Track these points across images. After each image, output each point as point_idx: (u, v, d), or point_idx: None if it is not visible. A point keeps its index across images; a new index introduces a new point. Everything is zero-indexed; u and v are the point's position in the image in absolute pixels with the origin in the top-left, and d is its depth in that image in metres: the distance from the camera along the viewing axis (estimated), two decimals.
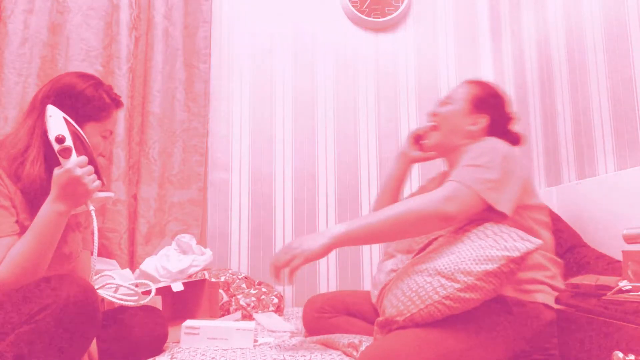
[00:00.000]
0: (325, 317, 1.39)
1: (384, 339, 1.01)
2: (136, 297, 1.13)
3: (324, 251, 1.06)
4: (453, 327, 1.02)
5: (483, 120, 1.29)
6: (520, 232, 1.04)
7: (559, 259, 1.19)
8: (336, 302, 1.41)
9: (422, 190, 1.47)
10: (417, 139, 1.44)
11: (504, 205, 1.07)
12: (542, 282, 1.12)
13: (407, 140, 1.47)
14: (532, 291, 1.10)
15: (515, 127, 1.36)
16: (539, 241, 1.01)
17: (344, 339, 1.20)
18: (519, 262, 0.99)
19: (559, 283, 1.14)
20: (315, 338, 1.29)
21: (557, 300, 1.02)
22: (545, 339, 1.08)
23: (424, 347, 0.99)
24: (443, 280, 1.01)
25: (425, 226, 1.07)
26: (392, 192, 1.48)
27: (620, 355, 0.69)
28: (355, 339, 1.19)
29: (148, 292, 1.17)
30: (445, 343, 1.00)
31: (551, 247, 1.19)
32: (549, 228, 1.19)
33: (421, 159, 1.44)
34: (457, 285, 0.99)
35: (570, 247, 1.41)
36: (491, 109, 1.31)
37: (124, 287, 1.13)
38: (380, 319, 1.09)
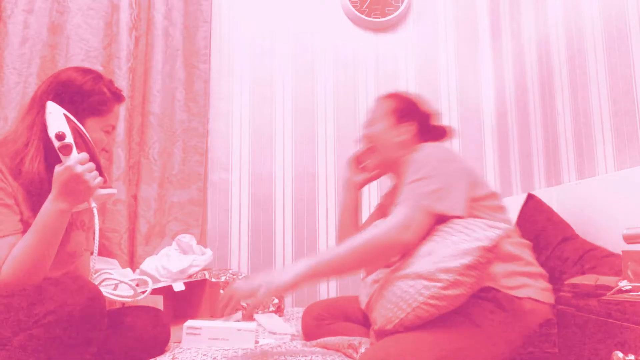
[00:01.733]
0: (324, 324, 1.39)
1: (380, 344, 1.02)
2: (132, 292, 1.12)
3: (288, 287, 1.04)
4: (449, 328, 1.03)
5: (410, 128, 1.34)
6: (486, 221, 1.06)
7: (526, 241, 1.21)
8: (334, 309, 1.42)
9: (380, 208, 1.50)
10: (358, 163, 1.48)
11: (456, 208, 1.10)
12: (521, 274, 1.13)
13: (349, 167, 1.49)
14: (516, 287, 1.10)
15: (439, 122, 1.42)
16: (505, 225, 1.04)
17: (344, 340, 1.20)
18: (493, 250, 1.01)
19: (535, 268, 1.16)
20: (315, 342, 1.29)
21: (557, 300, 1.02)
22: (540, 334, 1.08)
23: (421, 349, 0.99)
24: (425, 282, 1.02)
25: (387, 256, 1.11)
26: (351, 220, 1.49)
27: (620, 355, 0.69)
28: (355, 340, 1.19)
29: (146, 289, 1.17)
30: (442, 344, 1.01)
31: (514, 230, 1.21)
32: (506, 211, 1.21)
33: (367, 181, 1.48)
34: (440, 285, 1.00)
35: (562, 240, 1.40)
36: (413, 115, 1.36)
37: (124, 283, 1.13)
38: (375, 327, 1.09)
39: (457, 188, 1.12)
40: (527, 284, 1.12)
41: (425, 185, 1.11)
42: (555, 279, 1.30)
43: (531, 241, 1.46)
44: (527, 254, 1.18)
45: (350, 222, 1.49)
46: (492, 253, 1.01)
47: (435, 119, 1.41)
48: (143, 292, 1.16)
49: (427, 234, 1.10)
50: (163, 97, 2.11)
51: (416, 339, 1.01)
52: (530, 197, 1.61)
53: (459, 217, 1.09)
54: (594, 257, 1.27)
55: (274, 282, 1.03)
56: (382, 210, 1.47)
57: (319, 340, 1.27)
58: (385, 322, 1.06)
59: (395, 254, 1.10)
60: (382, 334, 1.07)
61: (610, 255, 1.25)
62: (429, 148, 1.19)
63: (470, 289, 1.02)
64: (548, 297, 1.14)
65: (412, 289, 1.02)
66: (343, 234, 1.48)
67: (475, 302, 1.06)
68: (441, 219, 1.10)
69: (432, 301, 1.00)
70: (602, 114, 1.55)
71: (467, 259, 1.00)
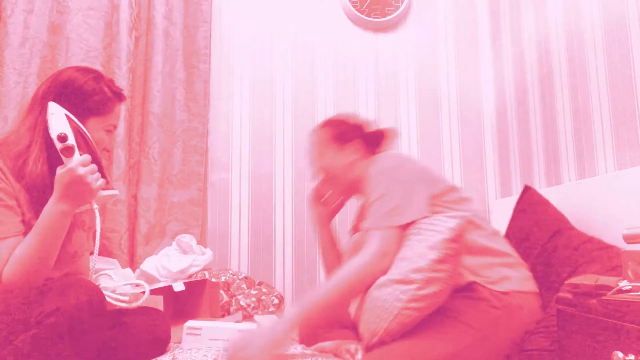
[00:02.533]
0: (320, 332, 1.40)
1: (372, 356, 1.02)
2: (127, 298, 1.11)
3: (286, 337, 1.05)
4: (441, 332, 1.04)
5: (355, 146, 1.37)
6: (446, 213, 1.09)
7: (494, 229, 1.24)
8: (330, 316, 1.42)
9: (355, 230, 1.50)
10: (319, 198, 1.49)
11: (420, 212, 1.13)
12: (501, 265, 1.15)
13: (312, 205, 1.51)
14: (498, 280, 1.12)
15: (378, 128, 1.44)
16: (464, 213, 1.07)
17: (342, 345, 1.20)
18: (457, 239, 1.04)
19: (514, 258, 1.18)
20: (312, 347, 1.29)
21: (557, 301, 1.02)
22: (537, 331, 1.08)
23: (416, 356, 0.99)
24: (401, 287, 1.03)
25: (370, 281, 1.11)
26: (332, 254, 1.50)
27: (620, 355, 0.69)
28: (351, 346, 1.19)
29: (144, 292, 1.17)
30: (436, 350, 1.01)
31: (486, 222, 1.23)
32: (468, 202, 1.24)
33: (334, 212, 1.50)
34: (414, 286, 1.02)
35: (556, 231, 1.39)
36: (352, 133, 1.38)
37: (120, 286, 1.12)
38: (363, 344, 1.10)
39: (416, 193, 1.15)
40: (509, 275, 1.13)
41: (386, 203, 1.14)
42: (549, 271, 1.29)
43: (526, 232, 1.46)
44: (503, 244, 1.20)
45: (331, 256, 1.50)
46: (457, 243, 1.04)
47: (374, 127, 1.43)
48: (142, 293, 1.16)
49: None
50: (163, 97, 2.11)
51: (410, 349, 1.02)
52: (527, 189, 1.61)
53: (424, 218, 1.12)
54: (588, 250, 1.25)
55: (273, 339, 1.03)
56: (357, 231, 1.49)
57: (316, 345, 1.27)
58: (370, 336, 1.07)
59: (379, 277, 1.11)
60: (372, 348, 1.07)
61: (607, 247, 1.24)
62: (381, 160, 1.21)
63: (447, 284, 1.04)
64: (532, 286, 1.16)
65: (389, 297, 1.04)
66: (329, 268, 1.50)
67: (464, 302, 1.08)
68: (410, 223, 1.13)
69: (412, 304, 1.02)
70: (602, 114, 1.55)
71: (435, 253, 1.02)
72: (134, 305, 1.09)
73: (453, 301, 1.09)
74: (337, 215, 1.54)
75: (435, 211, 1.15)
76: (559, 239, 1.36)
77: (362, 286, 1.10)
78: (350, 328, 1.38)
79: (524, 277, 1.16)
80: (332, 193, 1.42)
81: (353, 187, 1.37)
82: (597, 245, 1.26)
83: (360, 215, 1.43)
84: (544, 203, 1.53)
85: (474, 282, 1.11)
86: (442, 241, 1.02)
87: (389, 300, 1.03)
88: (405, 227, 1.13)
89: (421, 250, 1.04)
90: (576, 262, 1.24)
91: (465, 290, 1.11)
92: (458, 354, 1.02)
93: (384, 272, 1.09)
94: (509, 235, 1.56)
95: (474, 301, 1.08)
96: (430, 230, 1.06)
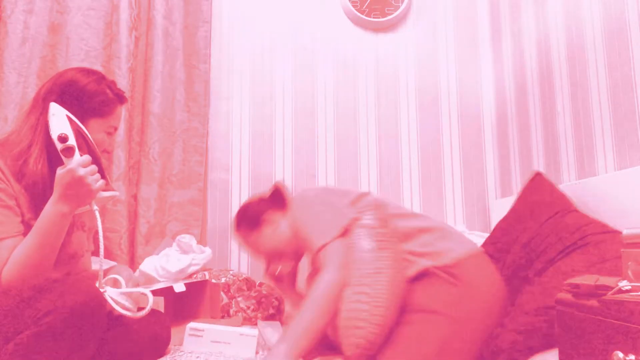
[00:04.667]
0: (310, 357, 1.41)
1: None
2: (133, 307, 1.10)
3: None
4: (416, 331, 1.07)
5: (270, 217, 1.42)
6: (364, 213, 1.21)
7: (414, 212, 1.33)
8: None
9: (310, 280, 1.53)
10: (274, 277, 1.51)
11: (350, 214, 1.23)
12: (437, 240, 1.20)
13: (274, 285, 1.52)
14: (442, 254, 1.17)
15: (269, 191, 1.51)
16: (376, 211, 1.20)
17: None
18: (383, 225, 1.17)
19: (443, 232, 1.24)
20: None
21: (556, 301, 1.02)
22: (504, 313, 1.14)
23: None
24: (356, 289, 1.09)
25: (340, 295, 1.15)
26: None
27: (620, 355, 0.69)
28: None
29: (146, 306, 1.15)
30: (421, 352, 1.03)
31: (397, 207, 1.31)
32: (383, 203, 1.30)
33: (293, 276, 1.50)
34: (367, 288, 1.08)
35: (556, 212, 1.36)
36: (261, 211, 1.45)
37: (126, 292, 1.11)
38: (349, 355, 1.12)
39: (336, 203, 1.25)
40: (450, 246, 1.19)
41: (320, 221, 1.22)
42: (549, 249, 1.27)
43: (531, 213, 1.44)
44: (430, 220, 1.29)
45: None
46: (384, 228, 1.16)
47: (269, 189, 1.50)
48: (143, 308, 1.15)
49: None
50: (163, 97, 2.11)
51: (400, 349, 1.04)
52: (538, 174, 1.58)
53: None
54: (591, 233, 1.22)
55: None
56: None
57: None
58: (354, 349, 1.07)
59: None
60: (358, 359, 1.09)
61: (612, 231, 1.22)
62: (295, 202, 1.31)
63: (392, 267, 1.10)
64: (473, 245, 1.22)
65: (355, 305, 1.08)
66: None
67: (424, 291, 1.12)
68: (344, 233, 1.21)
69: (375, 302, 1.06)
70: (602, 114, 1.55)
71: (370, 244, 1.14)
72: (139, 315, 1.08)
73: (414, 294, 1.13)
74: (297, 278, 1.54)
75: (358, 217, 1.22)
76: (559, 221, 1.33)
77: (337, 302, 1.11)
78: (330, 346, 1.39)
79: (462, 242, 1.22)
80: (283, 268, 1.47)
81: (296, 250, 1.42)
82: (602, 228, 1.22)
83: (313, 269, 1.46)
84: (550, 187, 1.48)
85: (424, 269, 1.15)
86: (373, 233, 1.11)
87: (356, 309, 1.07)
88: (343, 236, 1.20)
89: (361, 247, 1.12)
90: (576, 243, 1.21)
91: (419, 278, 1.15)
92: (445, 349, 1.03)
93: (348, 284, 1.12)
94: (510, 213, 1.53)
95: (433, 287, 1.12)
96: (359, 229, 1.15)
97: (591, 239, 1.19)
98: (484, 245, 1.52)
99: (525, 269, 1.28)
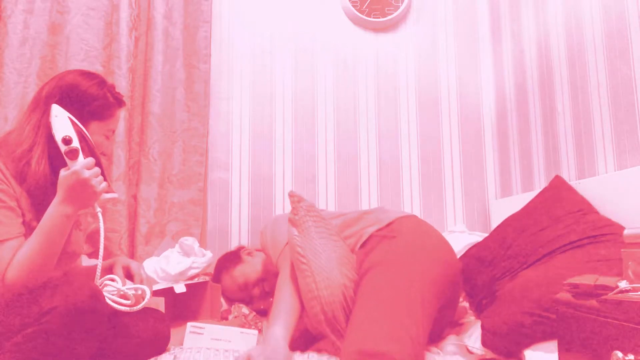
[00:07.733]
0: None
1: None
2: (129, 302, 1.10)
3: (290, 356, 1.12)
4: (374, 277, 1.19)
5: (244, 253, 1.77)
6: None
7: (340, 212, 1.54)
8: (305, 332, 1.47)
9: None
10: (258, 309, 1.66)
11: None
12: (368, 213, 1.45)
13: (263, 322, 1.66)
14: (379, 220, 1.40)
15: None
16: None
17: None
18: (311, 210, 1.34)
19: (373, 214, 1.44)
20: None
21: (556, 301, 1.02)
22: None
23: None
24: (326, 274, 1.21)
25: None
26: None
27: (620, 355, 0.69)
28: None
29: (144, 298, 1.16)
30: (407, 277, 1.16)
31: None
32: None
33: (270, 296, 1.65)
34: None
35: (579, 210, 1.38)
36: (238, 254, 1.78)
37: (124, 290, 1.11)
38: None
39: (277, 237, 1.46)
40: (389, 215, 1.40)
41: (278, 235, 1.44)
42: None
43: (547, 210, 1.45)
44: (368, 209, 1.49)
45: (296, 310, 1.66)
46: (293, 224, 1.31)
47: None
48: (143, 298, 1.15)
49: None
50: (163, 97, 2.11)
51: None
52: (557, 177, 1.59)
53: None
54: (611, 232, 1.23)
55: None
56: None
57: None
58: (317, 322, 1.18)
59: None
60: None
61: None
62: (265, 230, 1.54)
63: (340, 247, 1.31)
64: (403, 212, 1.45)
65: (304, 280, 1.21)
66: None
67: (372, 252, 1.29)
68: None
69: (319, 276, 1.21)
70: (602, 114, 1.55)
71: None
72: (136, 309, 1.09)
73: (365, 257, 1.28)
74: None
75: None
76: (583, 218, 1.34)
77: (296, 284, 1.26)
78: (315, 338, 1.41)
79: (398, 211, 1.44)
80: (260, 301, 1.68)
81: (269, 274, 1.63)
82: (618, 229, 1.24)
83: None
84: (570, 189, 1.51)
85: (369, 236, 1.35)
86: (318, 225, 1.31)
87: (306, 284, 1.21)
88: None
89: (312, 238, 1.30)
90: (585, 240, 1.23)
91: (366, 244, 1.35)
92: (397, 291, 1.12)
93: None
94: (522, 210, 1.54)
95: (378, 245, 1.28)
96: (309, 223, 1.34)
97: (611, 237, 1.21)
98: (488, 237, 1.52)
99: (526, 255, 1.30)
